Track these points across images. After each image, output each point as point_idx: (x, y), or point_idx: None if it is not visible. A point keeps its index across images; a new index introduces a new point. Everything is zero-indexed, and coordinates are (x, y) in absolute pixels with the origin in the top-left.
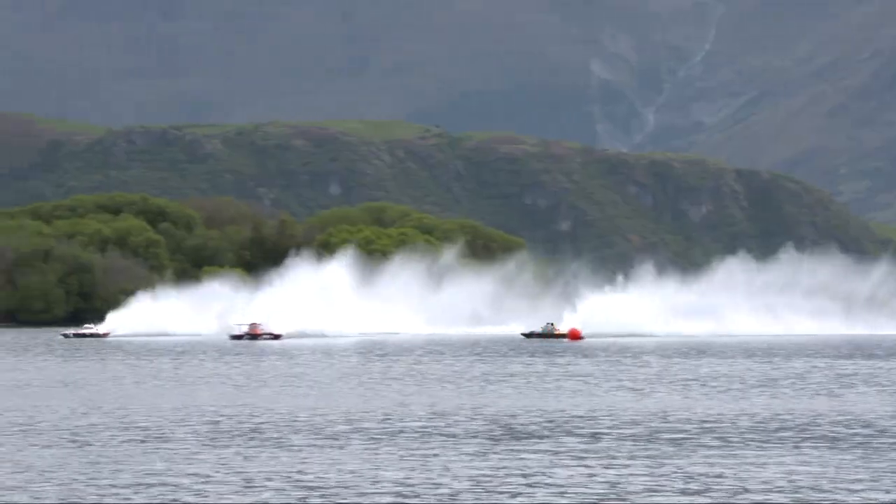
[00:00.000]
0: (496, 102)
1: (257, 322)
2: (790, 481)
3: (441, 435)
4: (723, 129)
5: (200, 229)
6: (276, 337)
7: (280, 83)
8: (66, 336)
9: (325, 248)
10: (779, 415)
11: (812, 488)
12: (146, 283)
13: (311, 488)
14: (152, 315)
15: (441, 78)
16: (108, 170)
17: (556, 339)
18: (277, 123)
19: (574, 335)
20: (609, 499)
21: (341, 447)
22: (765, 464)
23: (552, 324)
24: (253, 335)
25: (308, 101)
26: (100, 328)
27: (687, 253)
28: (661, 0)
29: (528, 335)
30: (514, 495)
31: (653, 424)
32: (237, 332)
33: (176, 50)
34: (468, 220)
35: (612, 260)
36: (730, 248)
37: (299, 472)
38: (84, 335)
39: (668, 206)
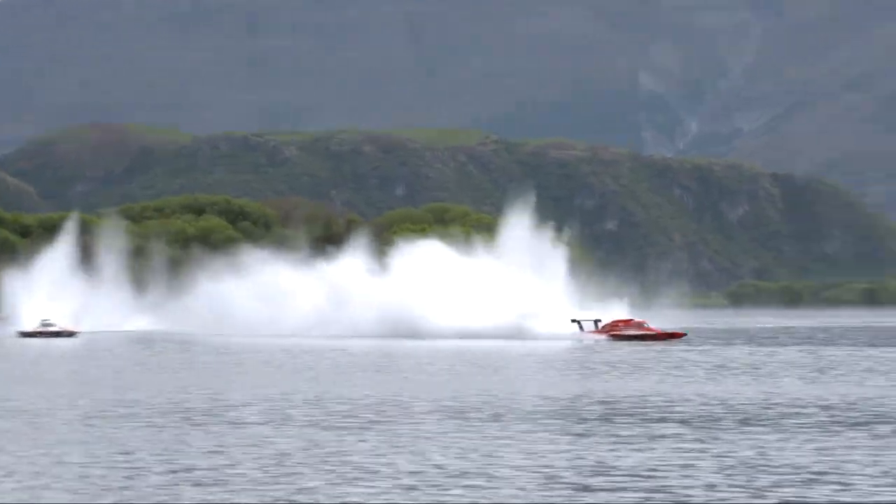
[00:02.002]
0: (550, 111)
1: None
2: None
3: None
4: (760, 135)
5: (277, 227)
6: None
7: (353, 94)
8: (23, 334)
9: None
10: None
11: None
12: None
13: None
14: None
15: (499, 89)
16: (195, 174)
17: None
18: (350, 131)
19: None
20: None
21: None
22: None
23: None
24: None
25: (378, 111)
26: (66, 325)
27: (725, 251)
28: (706, 17)
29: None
30: None
31: None
32: None
33: (258, 63)
34: None
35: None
36: (765, 247)
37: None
38: (45, 334)
39: (708, 207)
